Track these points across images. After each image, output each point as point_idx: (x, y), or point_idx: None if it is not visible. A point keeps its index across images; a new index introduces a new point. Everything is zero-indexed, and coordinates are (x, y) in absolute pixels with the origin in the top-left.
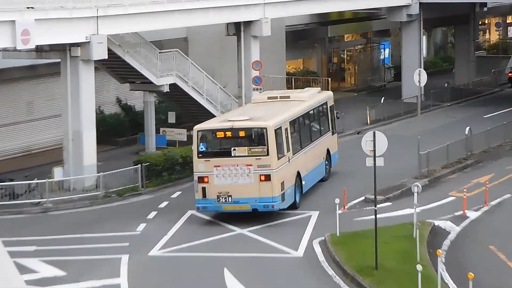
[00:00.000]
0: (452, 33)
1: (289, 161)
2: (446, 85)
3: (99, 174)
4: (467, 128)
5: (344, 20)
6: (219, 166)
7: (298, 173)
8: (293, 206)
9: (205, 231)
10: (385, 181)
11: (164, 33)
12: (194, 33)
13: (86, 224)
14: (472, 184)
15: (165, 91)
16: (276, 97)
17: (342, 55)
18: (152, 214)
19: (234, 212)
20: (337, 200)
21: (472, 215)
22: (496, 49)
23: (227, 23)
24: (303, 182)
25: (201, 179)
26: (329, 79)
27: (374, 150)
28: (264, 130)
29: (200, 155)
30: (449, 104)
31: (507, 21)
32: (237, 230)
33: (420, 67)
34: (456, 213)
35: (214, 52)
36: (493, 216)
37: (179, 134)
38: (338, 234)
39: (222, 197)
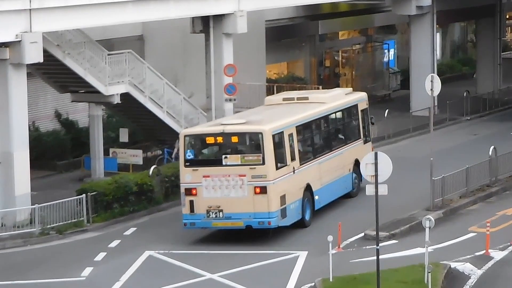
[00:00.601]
0: (473, 29)
1: (293, 171)
2: (465, 94)
3: (34, 206)
4: (491, 148)
5: (338, 13)
6: (208, 177)
7: (308, 186)
8: (301, 224)
9: (166, 277)
10: (389, 213)
11: (114, 31)
12: (151, 30)
13: (18, 269)
14: (497, 217)
15: (115, 102)
16: (293, 98)
17: (336, 57)
18: (100, 256)
19: (226, 229)
20: (330, 238)
21: (497, 255)
22: None
23: (193, 18)
24: (316, 197)
25: (188, 191)
26: (320, 87)
27: (376, 176)
28: (260, 135)
29: (187, 163)
30: (469, 118)
31: None
32: (206, 275)
33: (433, 72)
34: (478, 253)
35: (176, 54)
36: None
37: (134, 156)
38: (331, 279)
39: (212, 212)
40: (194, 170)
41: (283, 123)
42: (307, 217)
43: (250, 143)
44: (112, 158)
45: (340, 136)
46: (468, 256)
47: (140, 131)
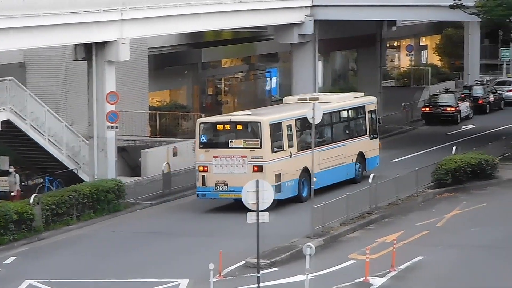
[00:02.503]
0: (355, 58)
1: (290, 156)
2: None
3: None
4: (371, 176)
5: (221, 41)
6: (217, 157)
7: (306, 169)
8: (298, 199)
9: None
10: (271, 241)
11: None
12: (33, 57)
13: None
14: (377, 244)
15: None
16: (306, 98)
17: (218, 85)
18: None
19: (230, 199)
20: (211, 265)
21: (376, 282)
22: (408, 78)
23: (75, 45)
24: (314, 179)
25: (201, 168)
26: (203, 114)
27: (257, 203)
28: (259, 124)
29: (201, 145)
30: None
31: (420, 44)
32: None
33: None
34: (357, 280)
35: (58, 81)
36: (402, 283)
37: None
38: None
39: (220, 186)
40: (206, 151)
41: (282, 116)
42: (304, 194)
43: (251, 130)
44: None
45: (344, 130)
46: (348, 283)
47: (21, 159)
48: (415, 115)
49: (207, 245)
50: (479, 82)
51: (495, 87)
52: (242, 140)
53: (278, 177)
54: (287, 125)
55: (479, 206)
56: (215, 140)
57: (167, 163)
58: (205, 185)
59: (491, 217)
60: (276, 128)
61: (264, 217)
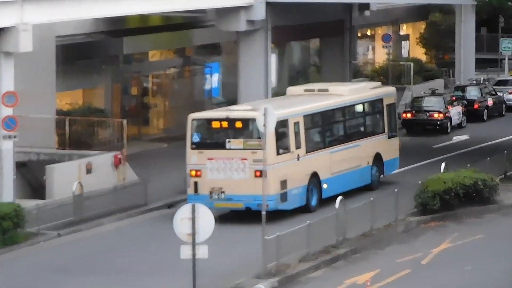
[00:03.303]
0: (318, 50)
1: (298, 158)
2: None
3: None
4: (338, 199)
5: (149, 28)
6: (212, 159)
7: (315, 174)
8: (307, 210)
9: None
10: (212, 281)
11: None
12: None
13: None
14: (346, 287)
15: None
16: (313, 90)
17: (145, 84)
18: None
19: (227, 210)
20: None
21: None
22: (385, 75)
23: None
24: (324, 186)
25: (193, 173)
26: (124, 121)
27: (194, 234)
28: None
29: (193, 146)
30: None
31: (400, 33)
32: None
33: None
34: None
35: None
36: None
37: None
38: None
39: (215, 193)
40: (200, 152)
41: (289, 112)
42: (313, 203)
43: (253, 129)
44: None
45: (358, 128)
46: None
47: None
48: None
49: (127, 286)
50: (474, 82)
51: (494, 87)
52: (242, 140)
53: (283, 183)
54: (294, 123)
55: (475, 238)
56: (210, 139)
57: (79, 182)
58: (197, 192)
59: (489, 253)
60: (282, 126)
61: (202, 251)
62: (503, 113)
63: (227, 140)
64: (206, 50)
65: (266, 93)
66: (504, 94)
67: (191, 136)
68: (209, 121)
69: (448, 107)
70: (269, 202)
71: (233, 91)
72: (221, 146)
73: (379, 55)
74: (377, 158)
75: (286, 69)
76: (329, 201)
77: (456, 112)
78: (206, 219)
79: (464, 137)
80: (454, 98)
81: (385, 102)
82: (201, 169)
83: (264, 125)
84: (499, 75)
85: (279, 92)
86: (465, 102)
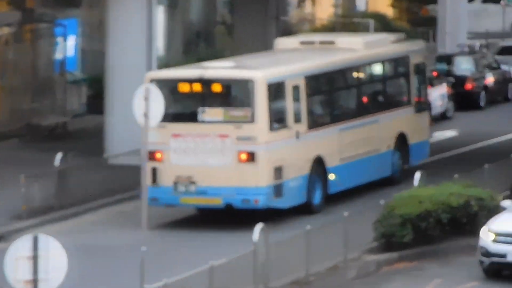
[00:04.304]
0: (227, 1)
1: (297, 137)
2: None
3: None
4: (257, 228)
5: None
6: (179, 136)
7: (319, 160)
8: (307, 210)
9: None
10: None
11: None
12: None
13: None
14: None
15: None
16: (313, 42)
17: None
18: None
19: (200, 208)
20: None
21: None
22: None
23: None
24: (331, 177)
25: (151, 155)
26: None
27: (36, 281)
28: (250, 84)
29: None
30: None
31: None
32: None
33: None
34: None
35: None
36: None
37: None
38: None
39: (182, 184)
40: (161, 127)
41: (286, 70)
42: (315, 200)
43: (237, 94)
44: None
45: (376, 98)
46: None
47: None
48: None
49: None
50: (467, 49)
51: (496, 58)
52: (221, 109)
53: (278, 171)
54: (293, 86)
55: (466, 286)
56: (175, 109)
57: None
58: (157, 183)
59: None
60: (277, 90)
61: None
62: (510, 96)
63: (200, 109)
64: (56, 2)
65: (149, 65)
66: None
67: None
68: (174, 82)
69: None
70: (259, 198)
71: (99, 63)
72: (192, 118)
73: (323, 7)
74: (401, 140)
75: (180, 30)
76: (337, 199)
77: (437, 95)
78: (55, 257)
79: (450, 133)
80: (435, 73)
81: (412, 61)
82: (163, 151)
83: (146, 113)
84: (503, 39)
85: (169, 63)
86: (452, 80)
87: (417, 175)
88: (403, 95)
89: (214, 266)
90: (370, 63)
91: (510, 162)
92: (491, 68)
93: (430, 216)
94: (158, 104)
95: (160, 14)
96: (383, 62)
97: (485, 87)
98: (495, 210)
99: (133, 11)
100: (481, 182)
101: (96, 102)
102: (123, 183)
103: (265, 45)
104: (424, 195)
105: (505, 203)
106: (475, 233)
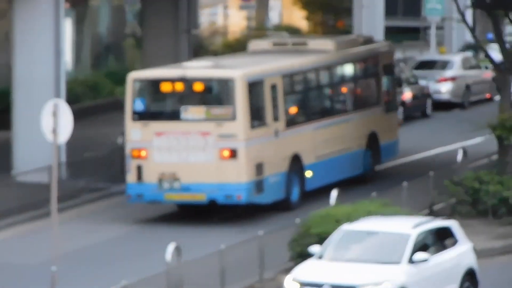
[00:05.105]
0: (137, 13)
1: (276, 135)
2: (121, 140)
3: None
4: (169, 250)
5: None
6: (162, 134)
7: (297, 158)
8: (286, 206)
9: None
10: None
11: None
12: None
13: None
14: None
15: None
16: (286, 44)
17: None
18: None
19: (184, 204)
20: None
21: None
22: (243, 50)
23: None
24: (308, 174)
25: (135, 153)
26: None
27: None
28: (230, 83)
29: (135, 116)
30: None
31: None
32: None
33: (60, 95)
34: None
35: None
36: None
37: None
38: None
39: (166, 181)
40: (144, 125)
41: (265, 69)
42: (293, 197)
43: (218, 92)
44: None
45: (348, 97)
46: None
47: None
48: None
49: None
50: None
51: (414, 72)
52: (203, 108)
53: (259, 168)
54: (271, 85)
55: None
56: (158, 107)
57: None
58: (141, 180)
59: None
60: (257, 88)
61: None
62: (428, 112)
63: (182, 108)
64: None
65: (57, 77)
66: (430, 83)
67: (132, 102)
68: (157, 82)
69: None
70: (241, 193)
71: (5, 76)
72: (175, 116)
73: (235, 21)
74: (372, 139)
75: (88, 43)
76: (314, 196)
77: None
78: None
79: None
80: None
81: (381, 62)
82: (147, 148)
83: (54, 130)
84: (421, 53)
85: (77, 77)
86: None
87: (334, 193)
88: (374, 95)
89: (126, 285)
90: (341, 64)
91: (428, 179)
92: (408, 83)
93: None
94: (66, 120)
95: (68, 27)
96: (354, 62)
97: (403, 103)
98: None
99: (40, 23)
100: (398, 200)
101: (2, 117)
102: (28, 201)
103: (176, 58)
104: (340, 213)
105: (313, 248)
106: None
